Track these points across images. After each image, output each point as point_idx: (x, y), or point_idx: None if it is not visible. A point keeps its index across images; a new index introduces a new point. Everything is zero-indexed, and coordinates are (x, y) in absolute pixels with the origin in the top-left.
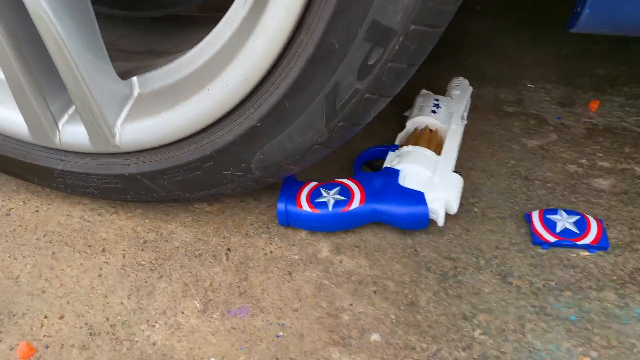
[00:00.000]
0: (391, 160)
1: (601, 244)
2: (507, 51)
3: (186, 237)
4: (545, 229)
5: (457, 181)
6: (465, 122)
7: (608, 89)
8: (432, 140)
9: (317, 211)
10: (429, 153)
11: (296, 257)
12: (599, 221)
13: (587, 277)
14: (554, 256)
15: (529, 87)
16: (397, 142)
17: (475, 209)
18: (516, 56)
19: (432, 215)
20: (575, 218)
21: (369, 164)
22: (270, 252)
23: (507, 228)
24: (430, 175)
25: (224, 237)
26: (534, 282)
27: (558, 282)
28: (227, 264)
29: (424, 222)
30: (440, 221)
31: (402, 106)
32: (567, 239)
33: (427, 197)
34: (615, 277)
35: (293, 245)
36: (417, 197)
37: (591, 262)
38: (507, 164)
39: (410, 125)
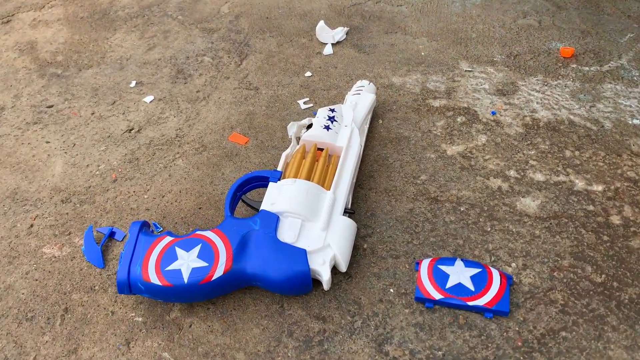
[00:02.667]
0: (270, 200)
1: (499, 308)
2: (452, 20)
3: (22, 294)
4: (432, 282)
5: (348, 228)
6: (364, 136)
7: (562, 68)
8: (320, 167)
9: (169, 284)
10: (314, 189)
11: (140, 319)
12: (504, 276)
13: (485, 344)
14: (448, 313)
15: (465, 71)
16: (280, 167)
17: (365, 245)
18: (461, 28)
19: (315, 276)
20: (475, 271)
21: (245, 199)
22: (113, 312)
23: (397, 272)
24: (315, 223)
25: (64, 294)
26: (415, 353)
27: (447, 350)
28: (60, 329)
29: (305, 288)
30: (326, 285)
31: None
32: (456, 297)
33: (310, 255)
34: (520, 344)
35: (141, 303)
36: (297, 257)
37: (494, 321)
38: (417, 180)
39: (295, 142)
